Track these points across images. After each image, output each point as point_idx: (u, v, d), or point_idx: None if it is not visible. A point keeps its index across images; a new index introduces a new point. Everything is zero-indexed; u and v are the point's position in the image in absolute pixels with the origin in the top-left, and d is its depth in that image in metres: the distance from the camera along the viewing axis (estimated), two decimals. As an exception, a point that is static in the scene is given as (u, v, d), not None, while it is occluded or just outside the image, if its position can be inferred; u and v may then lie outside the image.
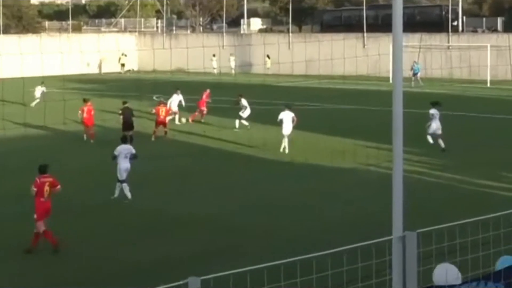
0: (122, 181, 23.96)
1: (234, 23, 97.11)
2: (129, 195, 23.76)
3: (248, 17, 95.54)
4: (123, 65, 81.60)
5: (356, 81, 62.46)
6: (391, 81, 8.37)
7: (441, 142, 31.93)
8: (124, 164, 23.99)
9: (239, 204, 23.55)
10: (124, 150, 24.32)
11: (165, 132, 36.98)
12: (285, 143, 32.21)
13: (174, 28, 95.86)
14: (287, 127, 32.12)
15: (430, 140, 32.04)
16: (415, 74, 61.71)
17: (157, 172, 28.48)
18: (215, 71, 73.89)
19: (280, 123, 32.36)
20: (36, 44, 73.04)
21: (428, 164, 29.41)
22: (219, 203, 23.66)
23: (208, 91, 43.22)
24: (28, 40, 75.96)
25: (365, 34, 73.27)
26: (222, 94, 45.34)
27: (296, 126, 32.37)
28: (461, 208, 21.56)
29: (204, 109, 42.15)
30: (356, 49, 64.82)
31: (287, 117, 32.25)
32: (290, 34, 78.83)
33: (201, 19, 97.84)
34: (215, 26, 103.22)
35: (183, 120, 41.55)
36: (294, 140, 32.81)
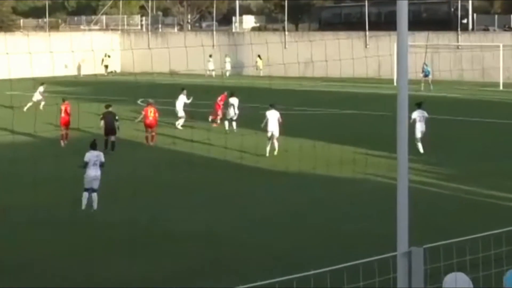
0: (88, 190, 23.89)
1: (225, 20, 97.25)
2: (94, 205, 23.78)
3: (240, 14, 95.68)
4: (106, 66, 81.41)
5: (358, 83, 62.43)
6: (395, 83, 8.37)
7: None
8: (93, 172, 23.95)
9: (235, 217, 23.50)
10: (94, 157, 24.25)
11: (152, 137, 36.71)
12: (274, 146, 32.56)
13: (160, 26, 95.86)
14: (273, 125, 32.64)
15: (421, 149, 32.14)
16: (426, 77, 61.49)
17: (149, 181, 28.22)
18: (213, 73, 73.70)
19: (266, 123, 32.92)
20: (14, 43, 73.08)
21: (435, 173, 29.44)
22: (214, 216, 23.56)
23: (225, 93, 42.62)
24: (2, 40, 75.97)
25: (367, 32, 73.36)
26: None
27: (298, 133, 32.27)
28: (470, 221, 21.61)
29: (220, 113, 42.02)
30: (358, 49, 64.90)
31: (272, 116, 32.98)
32: (286, 33, 78.93)
33: (189, 17, 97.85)
34: (204, 24, 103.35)
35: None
36: (293, 148, 32.84)
